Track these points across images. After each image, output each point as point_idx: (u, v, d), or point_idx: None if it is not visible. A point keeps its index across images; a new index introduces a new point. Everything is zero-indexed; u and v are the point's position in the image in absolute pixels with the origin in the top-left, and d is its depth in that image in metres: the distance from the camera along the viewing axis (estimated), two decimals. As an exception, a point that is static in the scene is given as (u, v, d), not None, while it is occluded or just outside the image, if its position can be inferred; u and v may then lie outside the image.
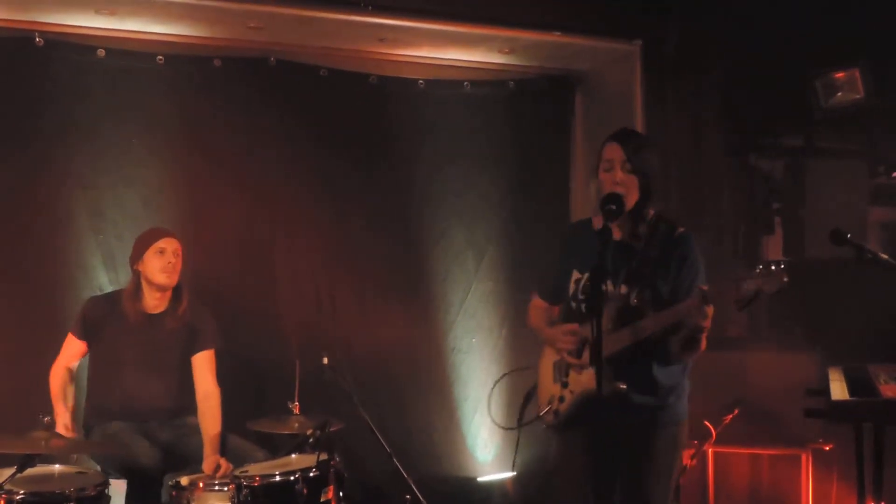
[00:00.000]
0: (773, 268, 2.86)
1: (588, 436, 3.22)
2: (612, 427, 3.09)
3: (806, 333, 4.99)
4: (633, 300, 3.12)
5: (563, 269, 3.34)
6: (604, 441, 3.17)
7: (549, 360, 3.38)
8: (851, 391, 3.64)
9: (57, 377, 4.07)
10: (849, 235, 3.61)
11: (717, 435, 4.63)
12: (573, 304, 3.29)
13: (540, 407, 3.39)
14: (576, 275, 3.28)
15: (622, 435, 3.13)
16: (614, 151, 3.16)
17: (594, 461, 3.23)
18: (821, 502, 4.70)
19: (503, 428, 4.01)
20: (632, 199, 3.14)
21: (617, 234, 3.22)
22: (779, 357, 4.78)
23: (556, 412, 3.30)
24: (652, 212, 3.20)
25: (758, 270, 2.88)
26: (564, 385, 3.28)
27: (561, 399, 3.28)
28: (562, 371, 3.30)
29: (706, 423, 4.65)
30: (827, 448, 4.63)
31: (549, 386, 3.36)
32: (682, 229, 3.22)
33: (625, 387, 3.10)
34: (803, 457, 4.71)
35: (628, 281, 3.15)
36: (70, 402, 4.00)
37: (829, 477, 4.68)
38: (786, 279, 2.88)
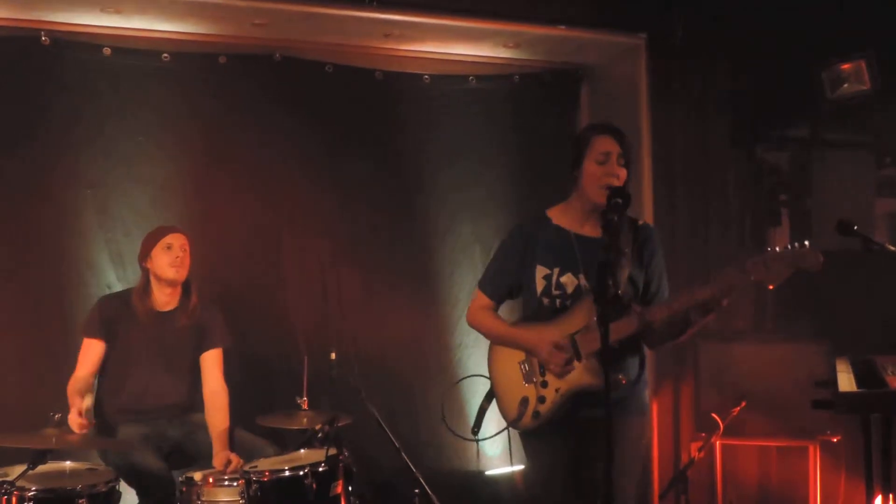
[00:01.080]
0: (807, 244, 2.89)
1: (567, 433, 3.21)
2: (592, 422, 3.07)
3: (813, 325, 4.98)
4: (620, 291, 3.11)
5: (518, 267, 3.32)
6: (584, 435, 3.17)
7: (509, 361, 3.30)
8: (859, 383, 3.64)
9: (76, 383, 3.98)
10: (855, 226, 3.61)
11: (724, 427, 4.64)
12: (545, 301, 3.25)
13: (508, 412, 3.30)
14: (542, 270, 3.25)
15: (597, 429, 3.06)
16: (611, 144, 3.18)
17: (577, 457, 3.22)
18: (829, 494, 4.71)
19: (465, 439, 3.92)
20: None
21: (581, 230, 3.25)
22: (786, 349, 4.78)
23: (534, 414, 3.22)
24: None
25: (789, 248, 2.91)
26: (544, 385, 3.22)
27: (541, 399, 3.21)
28: (535, 370, 3.24)
29: (714, 415, 4.66)
30: (835, 440, 4.64)
31: (517, 388, 3.27)
32: (642, 221, 3.29)
33: (624, 379, 3.12)
34: (811, 448, 4.71)
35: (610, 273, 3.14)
36: (88, 401, 3.97)
37: (836, 468, 4.68)
38: (821, 258, 2.90)
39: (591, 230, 3.26)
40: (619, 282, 3.11)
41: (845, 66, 4.84)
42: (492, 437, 3.54)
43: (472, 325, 3.46)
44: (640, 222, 3.27)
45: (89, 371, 4.06)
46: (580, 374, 3.14)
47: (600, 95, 5.68)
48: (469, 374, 5.34)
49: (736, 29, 5.19)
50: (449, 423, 4.08)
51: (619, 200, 3.02)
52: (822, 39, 4.93)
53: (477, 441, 3.56)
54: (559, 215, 3.34)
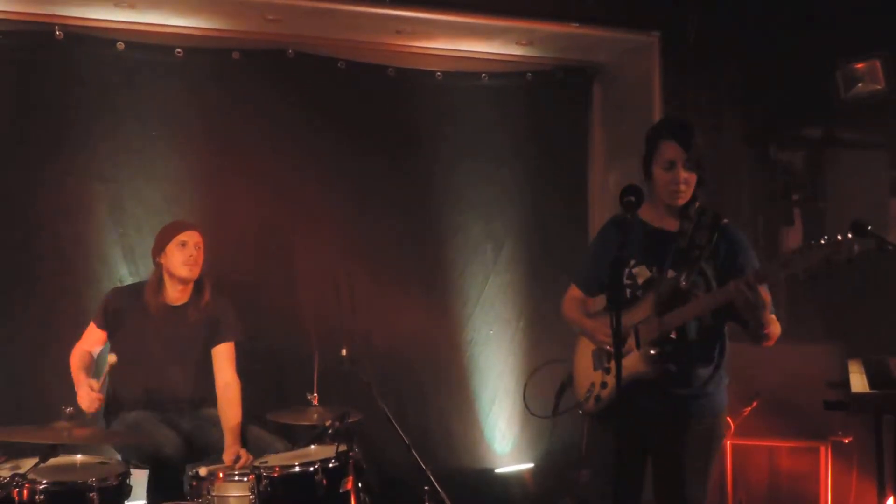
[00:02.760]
0: (840, 238, 2.87)
1: (628, 421, 3.22)
2: (650, 415, 3.16)
3: (826, 325, 4.97)
4: (683, 283, 3.15)
5: (603, 259, 3.31)
6: (640, 430, 3.21)
7: (586, 348, 3.41)
8: (871, 384, 3.63)
9: (77, 358, 4.11)
10: (869, 227, 3.59)
11: (735, 427, 4.62)
12: (627, 293, 3.29)
13: (578, 394, 3.43)
14: (632, 263, 3.29)
15: (659, 424, 3.18)
16: (676, 151, 3.19)
17: (628, 449, 3.25)
18: (840, 495, 4.69)
19: (539, 416, 4.02)
20: (690, 193, 3.22)
21: (659, 223, 3.27)
22: (798, 349, 4.76)
23: (597, 398, 3.32)
24: (697, 203, 3.27)
25: (823, 241, 2.89)
26: (607, 371, 3.30)
27: (603, 385, 3.30)
28: (604, 358, 3.33)
29: (725, 415, 4.64)
30: (846, 440, 4.62)
31: (588, 373, 3.38)
32: (726, 220, 3.28)
33: (675, 368, 3.13)
34: (822, 449, 4.69)
35: (675, 265, 3.19)
36: (95, 381, 3.97)
37: (848, 469, 4.66)
38: (857, 248, 2.89)
39: (670, 224, 3.29)
40: (684, 275, 3.15)
41: (860, 66, 4.82)
42: (563, 413, 3.63)
43: (562, 314, 3.56)
44: (724, 221, 3.26)
45: (90, 348, 4.16)
46: (636, 363, 3.18)
47: (613, 94, 5.67)
48: (483, 369, 5.38)
49: (750, 28, 5.18)
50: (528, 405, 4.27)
51: (632, 199, 3.01)
52: (837, 38, 4.91)
53: (553, 418, 3.67)
54: (646, 209, 3.31)
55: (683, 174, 3.19)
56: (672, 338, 3.16)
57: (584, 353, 3.42)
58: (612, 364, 3.21)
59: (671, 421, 3.19)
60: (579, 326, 3.46)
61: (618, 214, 3.47)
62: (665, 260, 3.21)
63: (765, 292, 3.03)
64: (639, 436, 3.25)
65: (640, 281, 3.26)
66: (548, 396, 3.70)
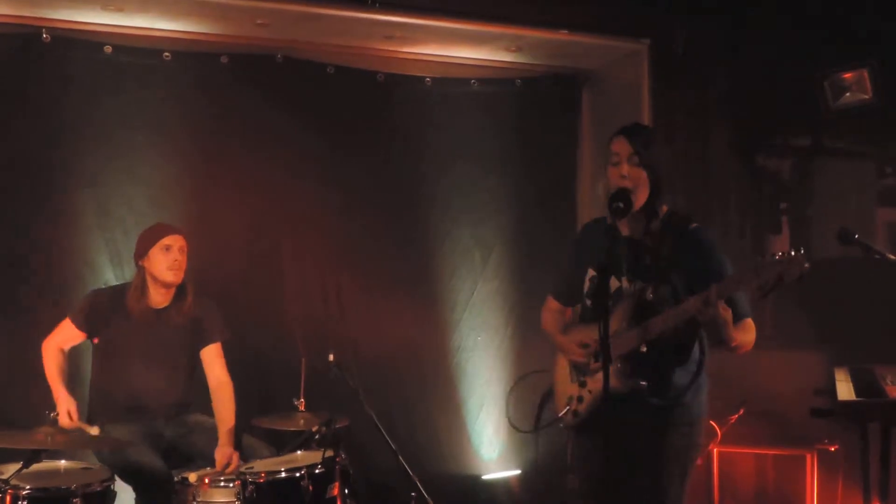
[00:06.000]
0: (793, 254, 2.81)
1: (604, 436, 3.19)
2: (627, 427, 3.09)
3: (812, 333, 4.98)
4: (649, 295, 3.09)
5: (576, 269, 3.33)
6: (618, 441, 3.16)
7: (565, 360, 3.38)
8: (858, 392, 3.64)
9: (50, 356, 4.02)
10: (856, 235, 3.60)
11: (722, 434, 4.63)
12: (588, 302, 3.27)
13: (558, 407, 3.38)
14: (591, 272, 3.26)
15: (637, 435, 3.13)
16: (622, 145, 3.13)
17: (608, 461, 3.21)
18: (826, 503, 4.69)
19: (521, 431, 3.99)
20: (642, 195, 3.09)
21: (627, 231, 3.18)
22: (785, 357, 4.78)
23: (574, 412, 3.28)
24: (665, 208, 3.18)
25: (777, 257, 2.83)
26: (583, 385, 3.26)
27: (579, 399, 3.27)
28: (580, 371, 3.29)
29: (711, 422, 4.64)
30: (832, 448, 4.63)
31: (566, 386, 3.34)
32: (695, 224, 3.18)
33: (645, 384, 3.10)
34: (808, 457, 4.70)
35: (642, 277, 3.12)
36: (75, 406, 3.95)
37: (834, 477, 4.67)
38: (807, 265, 2.81)
39: (637, 232, 3.18)
40: (650, 286, 3.09)
41: (847, 75, 4.84)
42: (544, 427, 3.57)
43: (541, 326, 3.52)
44: (693, 224, 3.18)
45: (61, 345, 4.07)
46: (609, 378, 3.13)
47: (602, 101, 5.68)
48: (470, 375, 5.36)
49: (738, 36, 5.20)
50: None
51: (621, 204, 3.00)
52: (825, 48, 4.93)
53: (535, 433, 3.64)
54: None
55: (626, 168, 3.09)
56: (643, 352, 3.08)
57: (563, 366, 3.38)
58: (588, 378, 3.24)
59: (649, 430, 3.14)
60: (551, 339, 3.44)
61: (588, 222, 3.45)
62: (634, 270, 3.14)
63: (724, 308, 2.92)
64: (619, 447, 3.18)
65: (610, 292, 3.18)
66: (532, 408, 3.67)
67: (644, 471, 3.19)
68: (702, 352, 3.22)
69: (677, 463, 3.21)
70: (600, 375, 3.09)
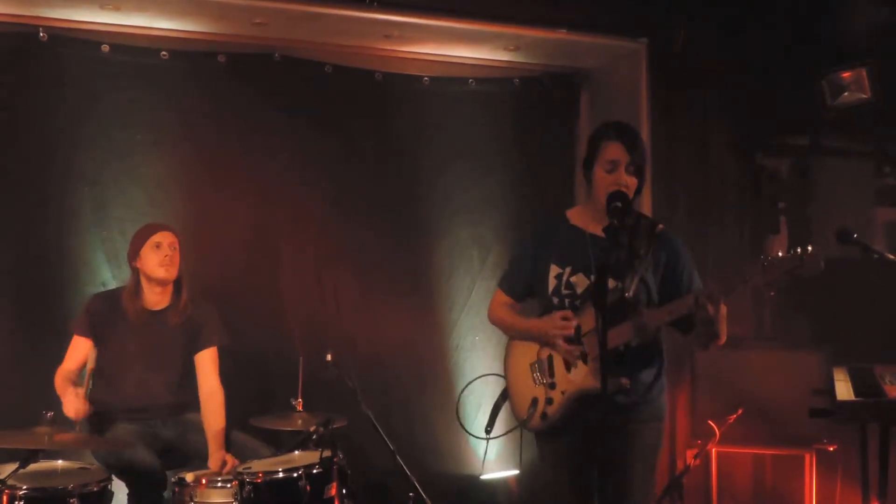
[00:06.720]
0: (809, 249, 2.83)
1: (577, 436, 3.18)
2: (599, 426, 3.02)
3: (811, 333, 4.98)
4: (629, 293, 3.08)
5: (534, 265, 3.29)
6: (591, 440, 3.10)
7: (521, 360, 3.31)
8: (857, 391, 3.63)
9: (61, 378, 3.98)
10: (855, 234, 3.60)
11: (720, 434, 4.62)
12: (554, 300, 3.22)
13: (518, 412, 3.31)
14: (555, 269, 3.22)
15: (610, 433, 3.07)
16: (620, 153, 3.13)
17: (584, 462, 3.16)
18: (824, 503, 4.69)
19: (476, 437, 3.94)
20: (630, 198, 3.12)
21: (598, 229, 3.16)
22: (783, 357, 4.78)
23: (543, 415, 3.22)
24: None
25: (791, 253, 2.84)
26: (551, 386, 3.21)
27: (549, 401, 3.20)
28: (545, 371, 3.23)
29: (710, 422, 4.64)
30: (831, 448, 4.62)
31: (527, 389, 3.28)
32: (661, 226, 3.22)
33: (627, 382, 3.08)
34: (807, 457, 4.70)
35: (618, 275, 3.09)
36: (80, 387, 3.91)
37: (832, 477, 4.67)
38: (822, 265, 2.84)
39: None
40: (628, 285, 3.08)
41: (846, 75, 4.84)
42: (503, 435, 3.54)
43: (491, 321, 3.48)
44: (659, 227, 3.20)
45: (75, 366, 4.05)
46: (585, 377, 3.12)
47: (600, 100, 5.67)
48: (468, 374, 5.34)
49: (737, 35, 5.19)
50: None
51: (619, 205, 2.99)
52: (824, 47, 4.93)
53: (488, 440, 3.57)
54: (577, 215, 3.30)
55: (625, 178, 3.11)
56: (621, 351, 3.07)
57: (520, 366, 3.31)
58: (558, 378, 3.18)
59: (618, 429, 3.11)
60: (520, 330, 3.34)
61: (544, 218, 3.44)
62: (613, 268, 3.06)
63: (723, 305, 2.96)
64: (588, 448, 3.13)
65: (578, 290, 3.18)
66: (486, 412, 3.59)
67: (618, 468, 3.15)
68: (660, 349, 3.25)
69: (650, 459, 3.23)
70: (574, 375, 3.13)
